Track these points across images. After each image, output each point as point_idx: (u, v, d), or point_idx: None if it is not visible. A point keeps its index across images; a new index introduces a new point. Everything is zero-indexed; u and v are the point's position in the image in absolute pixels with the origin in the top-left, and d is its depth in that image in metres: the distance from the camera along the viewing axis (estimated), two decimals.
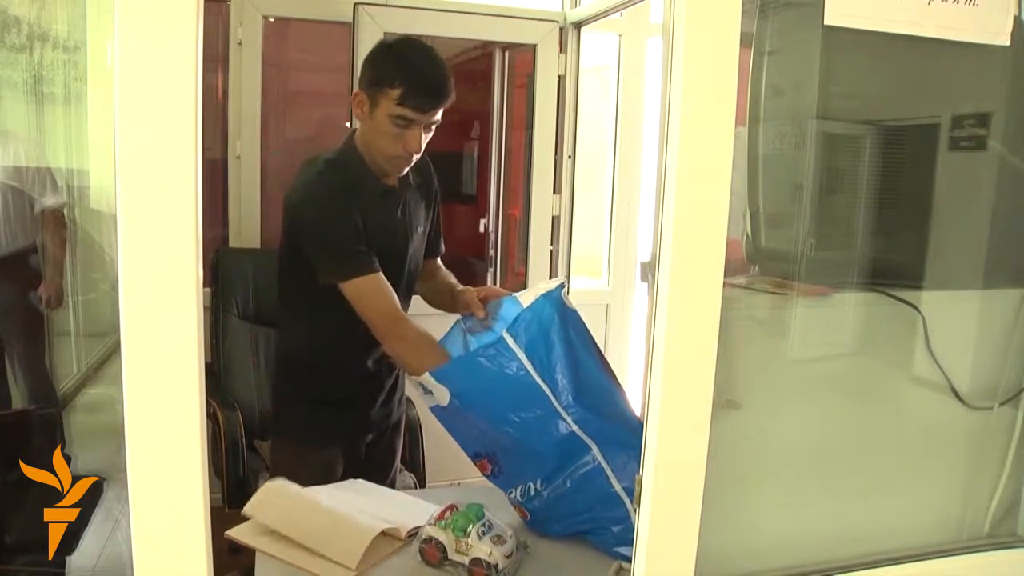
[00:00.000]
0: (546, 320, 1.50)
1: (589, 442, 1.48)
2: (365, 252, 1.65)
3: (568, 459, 1.49)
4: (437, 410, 1.55)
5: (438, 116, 1.65)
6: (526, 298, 1.54)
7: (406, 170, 1.72)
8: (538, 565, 1.42)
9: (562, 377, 1.49)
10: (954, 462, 1.55)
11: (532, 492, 1.52)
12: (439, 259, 1.98)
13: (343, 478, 1.75)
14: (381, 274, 1.65)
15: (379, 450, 1.94)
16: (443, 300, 1.88)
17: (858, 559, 1.38)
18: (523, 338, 1.48)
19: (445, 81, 1.64)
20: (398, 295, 1.77)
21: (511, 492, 1.56)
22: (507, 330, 1.49)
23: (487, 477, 1.59)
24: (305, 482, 1.59)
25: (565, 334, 1.51)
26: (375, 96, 1.62)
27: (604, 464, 1.48)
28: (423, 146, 1.66)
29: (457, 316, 1.77)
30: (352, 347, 1.76)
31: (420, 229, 1.85)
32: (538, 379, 1.47)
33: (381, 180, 1.73)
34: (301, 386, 1.81)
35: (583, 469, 1.50)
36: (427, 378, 1.51)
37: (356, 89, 1.67)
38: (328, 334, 1.76)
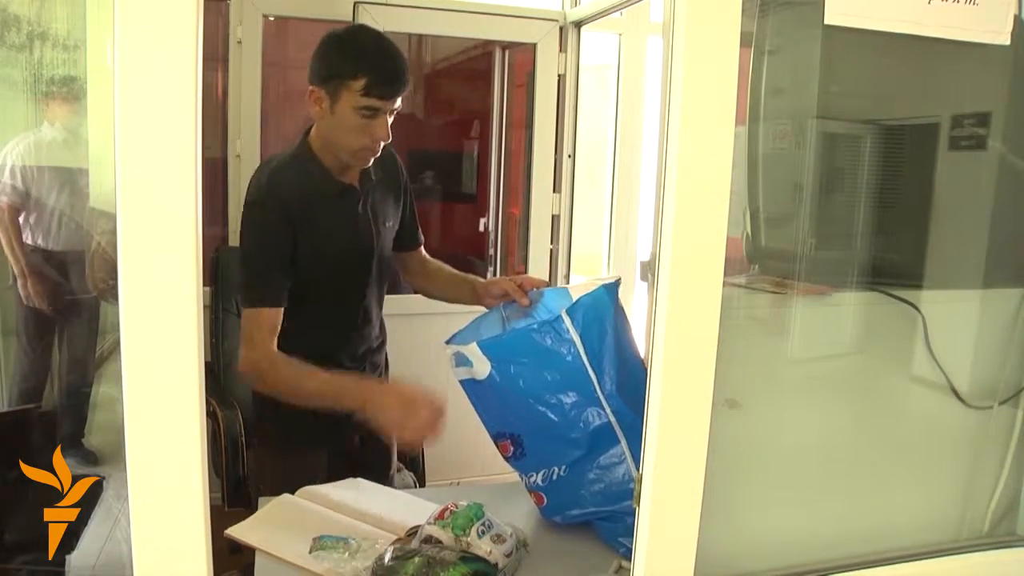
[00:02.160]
0: (603, 309, 1.50)
1: (620, 435, 1.48)
2: (276, 282, 1.65)
3: (597, 448, 1.49)
4: (469, 383, 1.54)
5: (399, 102, 1.63)
6: (576, 290, 1.54)
7: (368, 164, 1.71)
8: (538, 564, 1.42)
9: (609, 367, 1.48)
10: (954, 461, 1.55)
11: (555, 476, 1.52)
12: (423, 249, 1.96)
13: (338, 478, 1.74)
14: (276, 310, 1.64)
15: (373, 451, 1.92)
16: (458, 292, 1.87)
17: (858, 558, 1.38)
18: (580, 322, 1.47)
19: (403, 65, 1.63)
20: (369, 292, 1.79)
21: (532, 475, 1.55)
22: (566, 310, 1.47)
23: (507, 459, 1.58)
24: (289, 489, 1.60)
25: (616, 326, 1.51)
26: (336, 90, 1.59)
27: (629, 459, 1.48)
28: (388, 133, 1.64)
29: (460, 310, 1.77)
30: (326, 346, 1.75)
31: (388, 224, 1.83)
32: (587, 363, 1.46)
33: (338, 178, 1.71)
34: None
35: (610, 460, 1.49)
36: (472, 347, 1.50)
37: (311, 87, 1.63)
38: (301, 334, 1.71)
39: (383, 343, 1.95)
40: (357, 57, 1.59)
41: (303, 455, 1.77)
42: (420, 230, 1.96)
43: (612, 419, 1.48)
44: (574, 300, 1.49)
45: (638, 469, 1.47)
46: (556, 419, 1.48)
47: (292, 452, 1.78)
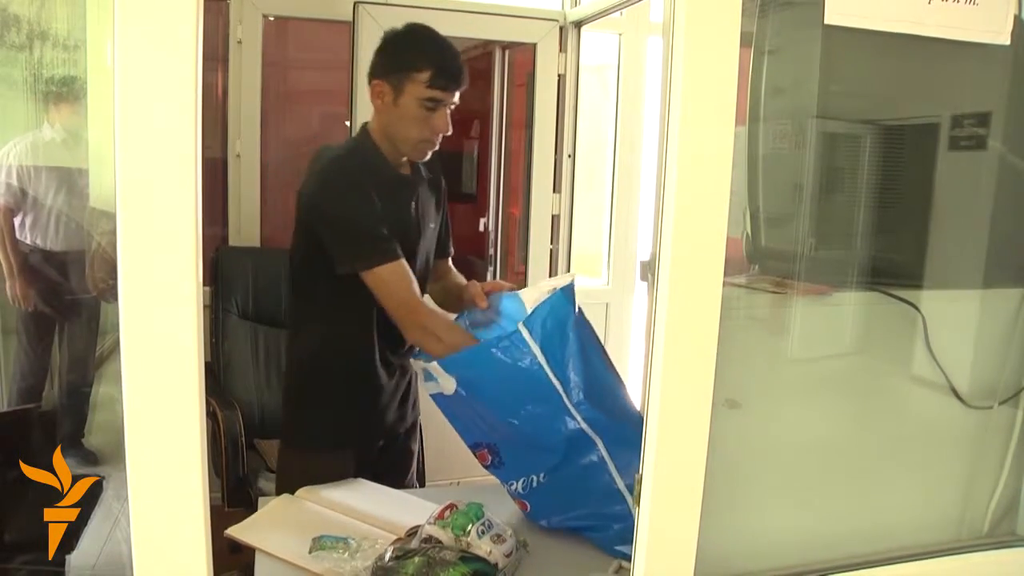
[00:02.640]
0: (562, 315, 1.49)
1: (595, 438, 1.48)
2: (387, 238, 1.62)
3: (574, 453, 1.49)
4: (439, 398, 1.53)
5: (457, 97, 1.69)
6: (528, 295, 1.53)
7: (426, 158, 1.74)
8: (538, 564, 1.42)
9: (574, 374, 1.47)
10: (954, 461, 1.55)
11: (535, 484, 1.52)
12: (449, 261, 1.96)
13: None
14: (403, 261, 1.61)
15: (394, 453, 1.92)
16: (451, 301, 1.86)
17: (857, 558, 1.38)
18: (539, 332, 1.46)
19: (462, 61, 1.70)
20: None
21: (512, 484, 1.55)
22: (523, 323, 1.46)
23: (486, 468, 1.58)
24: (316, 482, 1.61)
25: (578, 330, 1.50)
26: (400, 83, 1.64)
27: (608, 460, 1.48)
28: (449, 126, 1.69)
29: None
30: (366, 348, 1.74)
31: (431, 226, 1.84)
32: (551, 374, 1.45)
33: (396, 170, 1.74)
34: (313, 387, 1.78)
35: (588, 462, 1.49)
36: (434, 365, 1.49)
37: (375, 80, 1.68)
38: (342, 334, 1.74)
39: (407, 381, 1.91)
40: (422, 50, 1.66)
41: (328, 454, 1.76)
42: (449, 242, 1.97)
43: (584, 425, 1.47)
44: (530, 311, 1.48)
45: (619, 472, 1.48)
46: (528, 429, 1.48)
47: (318, 450, 1.77)
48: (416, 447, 2.02)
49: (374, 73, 1.69)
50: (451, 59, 1.68)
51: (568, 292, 1.51)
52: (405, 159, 1.74)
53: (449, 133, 1.70)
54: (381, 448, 1.89)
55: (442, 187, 1.90)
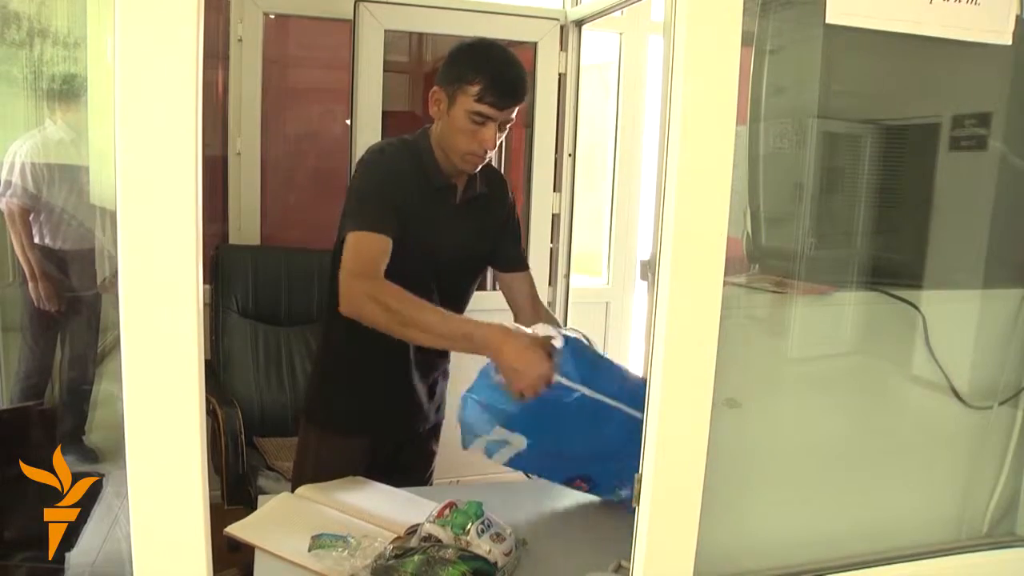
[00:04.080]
0: (577, 347, 1.54)
1: None
2: (385, 213, 1.61)
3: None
4: (516, 461, 1.57)
5: (513, 115, 1.69)
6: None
7: (477, 169, 1.74)
8: (537, 563, 1.42)
9: (617, 387, 1.52)
10: (953, 461, 1.55)
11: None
12: (524, 276, 1.91)
13: (377, 472, 1.75)
14: (386, 238, 1.58)
15: (413, 451, 1.94)
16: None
17: (857, 558, 1.38)
18: (572, 369, 1.49)
19: (522, 80, 1.68)
20: (432, 299, 1.69)
21: (618, 492, 1.60)
22: (561, 373, 1.48)
23: (587, 491, 1.66)
24: (330, 467, 1.65)
25: (594, 353, 1.59)
26: (453, 93, 1.66)
27: None
28: (497, 143, 1.69)
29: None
30: (391, 350, 1.74)
31: (477, 238, 1.82)
32: (602, 398, 1.50)
33: (444, 175, 1.74)
34: (342, 370, 1.82)
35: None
36: (499, 431, 1.51)
37: (435, 87, 1.70)
38: (367, 335, 1.65)
39: (445, 355, 1.92)
40: (477, 64, 1.66)
41: (347, 438, 1.79)
42: (524, 255, 1.96)
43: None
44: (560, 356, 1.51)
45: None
46: (608, 450, 1.51)
47: (336, 432, 1.80)
48: (436, 449, 2.02)
49: (437, 80, 1.71)
50: (506, 76, 1.66)
51: (570, 340, 1.54)
52: (462, 171, 1.74)
53: (495, 148, 1.70)
54: (401, 445, 1.90)
55: (506, 203, 1.90)
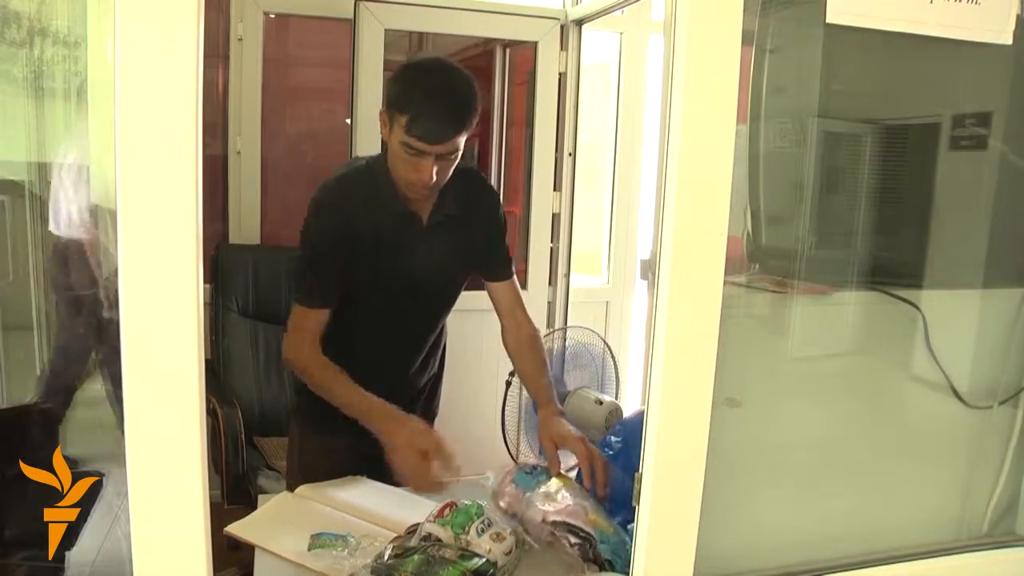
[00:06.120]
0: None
1: None
2: (319, 284, 1.66)
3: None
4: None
5: (454, 147, 1.56)
6: None
7: (421, 198, 1.66)
8: (537, 562, 1.42)
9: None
10: (953, 461, 1.55)
11: None
12: (507, 284, 1.85)
13: (369, 469, 1.74)
14: (315, 312, 1.66)
15: None
16: (529, 391, 1.83)
17: (857, 557, 1.38)
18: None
19: (459, 113, 1.54)
20: (411, 321, 1.77)
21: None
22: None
23: None
24: (315, 465, 1.66)
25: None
26: (391, 119, 1.56)
27: None
28: (435, 177, 1.57)
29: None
30: (367, 352, 1.76)
31: (452, 260, 1.77)
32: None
33: (403, 203, 1.66)
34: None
35: None
36: None
37: (381, 107, 1.62)
38: (343, 338, 1.73)
39: (430, 371, 1.93)
40: (409, 93, 1.54)
41: (329, 436, 1.76)
42: (508, 265, 1.86)
43: None
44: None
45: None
46: None
47: (320, 432, 1.79)
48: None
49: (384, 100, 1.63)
50: (437, 110, 1.52)
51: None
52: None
53: (433, 182, 1.57)
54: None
55: (483, 217, 1.81)
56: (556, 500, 1.43)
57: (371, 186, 1.67)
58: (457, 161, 1.61)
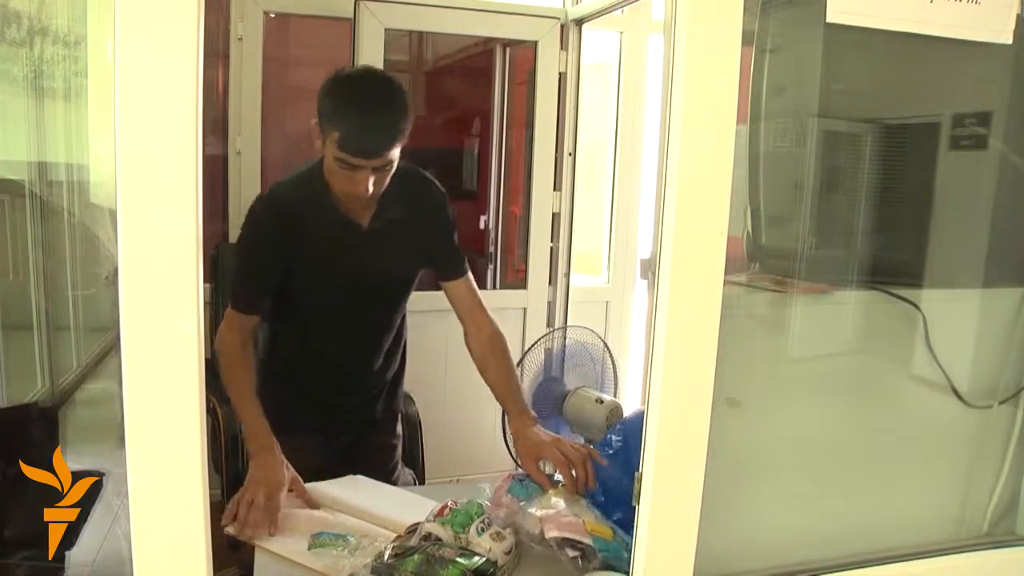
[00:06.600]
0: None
1: None
2: (248, 289, 1.69)
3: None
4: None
5: (389, 159, 1.55)
6: None
7: (360, 206, 1.65)
8: (537, 562, 1.42)
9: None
10: (954, 460, 1.55)
11: None
12: (462, 281, 1.82)
13: (336, 469, 1.73)
14: (241, 315, 1.69)
15: (369, 445, 1.93)
16: (498, 399, 1.77)
17: (857, 557, 1.38)
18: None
19: (391, 126, 1.53)
20: (361, 322, 1.78)
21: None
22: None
23: None
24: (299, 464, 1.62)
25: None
26: (324, 133, 1.55)
27: None
28: (371, 188, 1.56)
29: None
30: (313, 368, 1.79)
31: (396, 262, 1.77)
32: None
33: (343, 212, 1.66)
34: (270, 374, 1.83)
35: None
36: None
37: (313, 119, 1.60)
38: (290, 346, 1.80)
39: (392, 369, 1.93)
40: (337, 110, 1.53)
41: (288, 435, 1.71)
42: (459, 263, 1.83)
43: None
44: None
45: None
46: None
47: (280, 431, 1.72)
48: (395, 441, 2.00)
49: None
50: (367, 126, 1.51)
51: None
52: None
53: (369, 195, 1.57)
54: (356, 438, 1.90)
55: (437, 217, 1.81)
56: (551, 510, 1.41)
57: (310, 194, 1.66)
58: (393, 170, 1.59)
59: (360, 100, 1.55)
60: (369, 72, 1.67)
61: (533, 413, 1.70)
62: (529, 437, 1.62)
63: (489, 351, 1.78)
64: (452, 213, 1.84)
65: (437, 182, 1.84)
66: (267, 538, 1.44)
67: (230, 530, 1.47)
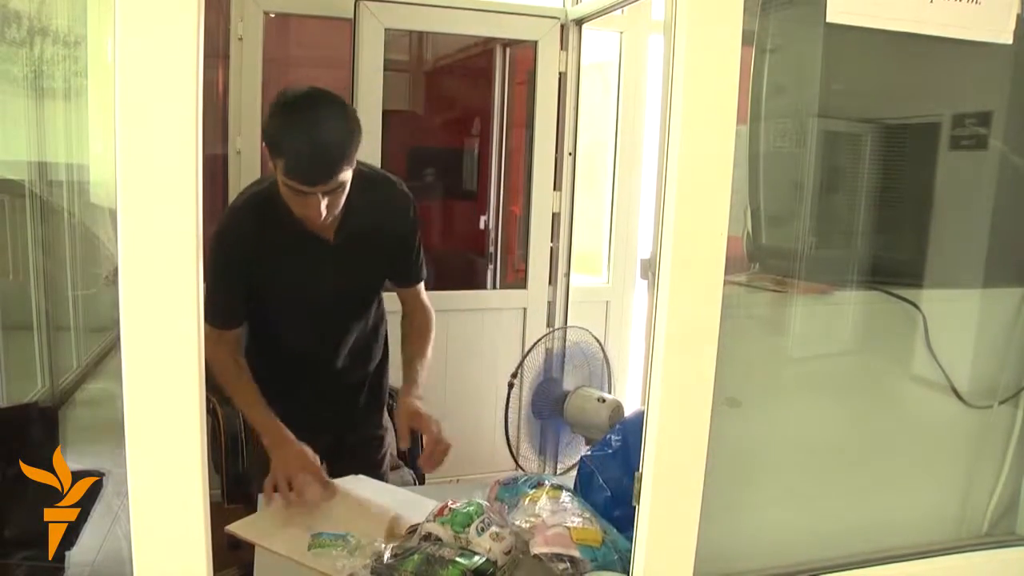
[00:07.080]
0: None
1: None
2: (228, 307, 1.68)
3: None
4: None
5: (339, 182, 1.52)
6: None
7: (319, 225, 1.62)
8: (537, 562, 1.42)
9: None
10: (954, 460, 1.55)
11: None
12: (414, 289, 1.89)
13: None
14: (224, 332, 1.70)
15: (355, 440, 1.94)
16: (402, 350, 1.88)
17: (857, 557, 1.38)
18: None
19: (335, 153, 1.50)
20: (333, 324, 1.80)
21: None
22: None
23: None
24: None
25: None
26: (272, 157, 1.54)
27: None
28: (325, 211, 1.53)
29: None
30: (288, 378, 1.79)
31: (361, 273, 1.78)
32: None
33: (308, 228, 1.63)
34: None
35: None
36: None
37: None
38: (266, 355, 1.80)
39: (374, 361, 1.95)
40: (280, 137, 1.51)
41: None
42: (416, 272, 1.88)
43: None
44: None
45: None
46: None
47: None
48: (383, 433, 1.99)
49: None
50: (311, 154, 1.48)
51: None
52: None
53: (322, 219, 1.55)
54: (341, 435, 1.91)
55: (406, 227, 1.81)
56: (536, 518, 1.40)
57: (272, 209, 1.63)
58: (347, 191, 1.56)
59: (303, 126, 1.51)
60: (311, 96, 1.57)
61: (421, 392, 1.78)
62: (411, 404, 1.73)
63: (410, 330, 1.89)
64: (417, 217, 1.85)
65: (403, 185, 1.82)
66: (266, 538, 1.44)
67: (231, 529, 1.47)
